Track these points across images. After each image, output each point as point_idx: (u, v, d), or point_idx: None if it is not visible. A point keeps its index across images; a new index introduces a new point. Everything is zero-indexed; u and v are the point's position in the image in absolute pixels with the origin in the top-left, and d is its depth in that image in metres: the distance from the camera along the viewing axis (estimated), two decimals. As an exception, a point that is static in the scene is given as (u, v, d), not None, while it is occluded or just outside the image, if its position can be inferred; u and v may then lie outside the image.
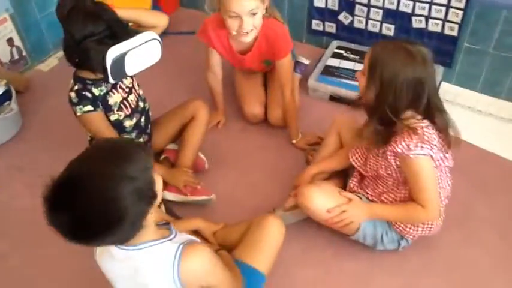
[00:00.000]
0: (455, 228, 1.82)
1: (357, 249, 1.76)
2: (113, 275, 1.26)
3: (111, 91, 1.77)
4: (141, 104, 1.90)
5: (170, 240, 1.21)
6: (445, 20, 2.28)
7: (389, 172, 1.61)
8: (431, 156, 1.51)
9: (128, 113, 1.83)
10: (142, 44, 1.59)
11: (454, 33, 2.29)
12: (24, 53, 2.62)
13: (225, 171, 2.11)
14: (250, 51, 2.09)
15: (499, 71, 2.30)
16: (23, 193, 2.05)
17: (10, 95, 2.25)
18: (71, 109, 1.74)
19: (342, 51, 2.55)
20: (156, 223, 1.23)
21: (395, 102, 1.47)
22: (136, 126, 1.88)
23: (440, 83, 2.39)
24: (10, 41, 2.52)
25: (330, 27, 2.63)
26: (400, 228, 1.68)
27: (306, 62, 2.49)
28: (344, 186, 1.83)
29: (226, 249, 1.58)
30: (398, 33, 2.44)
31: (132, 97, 1.85)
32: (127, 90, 1.84)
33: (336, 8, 2.53)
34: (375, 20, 2.47)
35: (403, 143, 1.48)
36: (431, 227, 1.67)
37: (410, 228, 1.66)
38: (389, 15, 2.41)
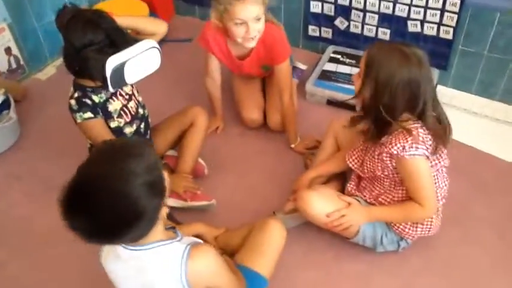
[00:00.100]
0: (453, 228, 1.84)
1: (357, 251, 1.77)
2: (118, 277, 1.27)
3: (111, 98, 1.78)
4: (140, 110, 1.91)
5: (178, 241, 1.22)
6: (440, 24, 2.31)
7: (386, 173, 1.63)
8: (427, 157, 1.52)
9: (128, 119, 1.84)
10: (142, 52, 1.60)
11: (449, 36, 2.32)
12: (22, 62, 2.63)
13: (225, 176, 2.12)
14: (248, 56, 2.10)
15: (494, 72, 2.33)
16: (22, 201, 2.06)
17: (9, 104, 2.26)
18: (71, 116, 1.75)
19: (339, 56, 2.57)
20: (164, 225, 1.24)
21: (391, 103, 1.48)
22: (136, 132, 1.88)
23: (435, 86, 2.41)
24: (8, 50, 2.53)
25: (326, 33, 2.66)
26: (400, 229, 1.69)
27: (303, 67, 2.52)
28: (342, 190, 1.84)
29: (228, 253, 1.59)
30: (394, 37, 2.46)
31: (132, 104, 1.86)
32: (127, 97, 1.84)
33: (332, 13, 2.56)
34: (370, 24, 2.49)
35: (398, 144, 1.50)
36: (430, 227, 1.68)
37: (409, 229, 1.68)
38: (385, 19, 2.43)
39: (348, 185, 1.82)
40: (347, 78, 2.43)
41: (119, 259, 1.22)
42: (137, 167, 1.07)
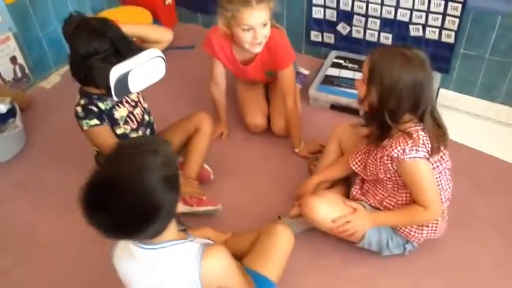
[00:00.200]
0: (458, 230, 1.84)
1: (364, 255, 1.78)
2: (131, 276, 1.28)
3: (117, 105, 1.79)
4: (146, 117, 1.93)
5: (191, 241, 1.24)
6: (441, 28, 2.32)
7: (389, 176, 1.64)
8: (428, 159, 1.53)
9: (134, 126, 1.85)
10: (147, 61, 1.61)
11: (451, 40, 2.33)
12: (26, 71, 2.65)
13: (230, 181, 2.13)
14: (253, 61, 2.12)
15: (495, 75, 2.34)
16: (27, 209, 2.07)
17: (14, 113, 2.27)
18: (77, 124, 1.77)
19: (341, 61, 2.59)
20: (176, 226, 1.26)
21: (396, 106, 1.50)
22: (142, 139, 1.90)
23: (438, 89, 2.43)
24: (13, 59, 2.55)
25: (329, 38, 2.68)
26: (405, 232, 1.70)
27: (306, 72, 2.53)
28: (347, 194, 1.85)
29: (236, 258, 1.58)
30: (396, 41, 2.48)
31: (138, 111, 1.88)
32: (133, 104, 1.86)
33: (334, 19, 2.58)
34: (372, 29, 2.51)
35: (399, 147, 1.51)
36: (436, 229, 1.69)
37: (415, 231, 1.68)
38: (387, 24, 2.45)
39: (353, 189, 1.82)
40: (350, 82, 2.45)
41: (132, 258, 1.24)
42: (153, 163, 1.10)
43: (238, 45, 2.03)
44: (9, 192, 2.15)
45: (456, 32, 2.30)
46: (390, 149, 1.53)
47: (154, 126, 2.00)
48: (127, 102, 1.84)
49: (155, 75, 1.68)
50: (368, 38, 2.56)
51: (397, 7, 2.37)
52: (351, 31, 2.59)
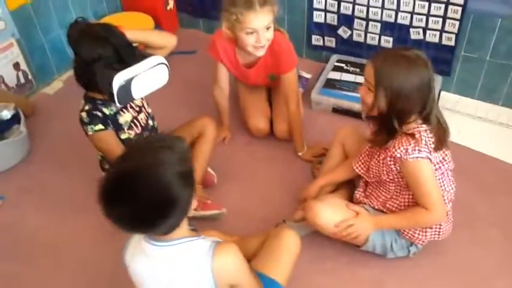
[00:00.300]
0: (461, 231, 1.85)
1: (369, 257, 1.79)
2: (144, 274, 1.28)
3: (121, 110, 1.80)
4: (150, 122, 1.94)
5: (202, 238, 1.25)
6: (442, 31, 2.34)
7: (391, 177, 1.65)
8: (430, 160, 1.54)
9: (138, 131, 1.86)
10: (150, 68, 1.62)
11: (451, 43, 2.35)
12: (30, 77, 2.66)
13: (234, 185, 2.14)
14: (256, 65, 2.14)
15: (496, 78, 2.36)
16: (33, 214, 2.08)
17: (19, 119, 2.28)
18: (81, 130, 1.77)
19: (343, 65, 2.60)
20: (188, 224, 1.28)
21: (406, 109, 1.51)
22: (147, 144, 1.90)
23: (439, 92, 2.44)
24: (16, 66, 2.56)
25: (330, 42, 2.70)
26: (409, 234, 1.70)
27: (308, 76, 2.55)
28: (351, 198, 1.86)
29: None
30: (397, 45, 2.50)
31: (142, 116, 1.89)
32: (137, 109, 1.87)
33: (335, 22, 2.60)
34: (373, 33, 2.53)
35: (401, 148, 1.52)
36: (439, 231, 1.70)
37: (418, 233, 1.69)
38: (388, 27, 2.47)
39: (356, 192, 1.83)
40: (351, 86, 2.46)
41: (144, 256, 1.25)
42: (169, 158, 1.13)
43: (242, 48, 2.05)
44: (15, 198, 2.16)
45: (456, 35, 2.32)
46: (393, 150, 1.54)
47: (158, 131, 2.01)
48: (131, 107, 1.84)
49: (158, 82, 1.68)
50: (369, 41, 2.58)
51: (397, 10, 2.39)
52: (351, 35, 2.61)
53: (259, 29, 1.92)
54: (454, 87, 2.49)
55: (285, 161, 2.24)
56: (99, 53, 1.58)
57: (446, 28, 2.32)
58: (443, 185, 1.65)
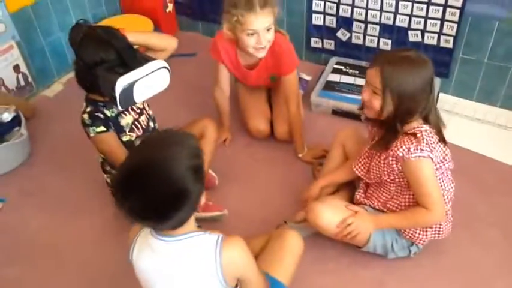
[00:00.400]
0: (461, 231, 1.87)
1: (370, 258, 1.80)
2: (150, 271, 1.29)
3: (123, 113, 1.81)
4: (151, 124, 1.94)
5: (209, 233, 1.27)
6: (440, 33, 2.36)
7: (392, 178, 1.66)
8: (432, 159, 1.55)
9: (139, 133, 1.87)
10: (152, 72, 1.62)
11: (450, 45, 2.37)
12: (30, 79, 2.66)
13: (235, 187, 2.15)
14: (257, 66, 2.15)
15: (494, 80, 2.38)
16: (34, 217, 2.08)
17: (19, 121, 2.28)
18: (81, 132, 1.78)
19: (342, 67, 2.62)
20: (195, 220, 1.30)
21: (412, 109, 1.53)
22: (148, 146, 1.91)
23: (438, 94, 2.46)
24: (16, 68, 2.56)
25: (329, 44, 2.71)
26: (410, 234, 1.72)
27: (308, 78, 2.56)
28: (351, 199, 1.87)
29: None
30: (396, 47, 2.51)
31: (143, 118, 1.89)
32: (138, 111, 1.88)
33: (334, 25, 2.62)
34: (372, 35, 2.55)
35: (404, 147, 1.53)
36: (439, 230, 1.71)
37: (419, 233, 1.70)
38: (386, 30, 2.49)
39: (356, 193, 1.85)
40: (351, 88, 2.48)
41: (151, 252, 1.26)
42: (181, 153, 1.16)
43: (243, 49, 2.06)
44: (16, 200, 2.16)
45: (455, 37, 2.34)
46: (395, 149, 1.55)
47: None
48: (132, 109, 1.85)
49: (160, 85, 1.69)
50: (367, 44, 2.59)
51: (396, 13, 2.41)
52: (350, 37, 2.62)
53: (259, 30, 1.93)
54: (453, 89, 2.51)
55: (285, 162, 2.25)
56: (101, 57, 1.59)
57: (445, 30, 2.34)
58: (444, 184, 1.66)
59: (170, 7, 3.05)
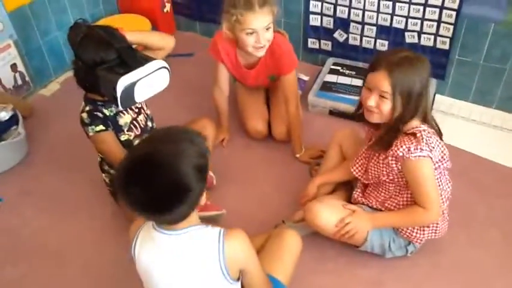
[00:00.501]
0: (459, 231, 1.89)
1: (368, 258, 1.81)
2: (152, 265, 1.30)
3: (121, 112, 1.81)
4: (149, 123, 1.94)
5: (211, 227, 1.28)
6: (436, 35, 2.38)
7: (391, 178, 1.67)
8: (431, 158, 1.57)
9: (137, 133, 1.87)
10: (152, 72, 1.63)
11: (446, 46, 2.39)
12: (27, 78, 2.66)
13: (233, 187, 2.16)
14: (256, 65, 2.16)
15: (490, 81, 2.40)
16: (33, 217, 2.08)
17: (17, 120, 2.28)
18: (79, 131, 1.78)
19: (339, 68, 2.63)
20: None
21: (417, 109, 1.55)
22: (146, 145, 1.91)
23: (434, 95, 2.48)
24: (14, 67, 2.56)
25: (326, 45, 2.73)
26: (407, 233, 1.73)
27: (306, 78, 2.58)
28: (349, 198, 1.88)
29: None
30: (392, 48, 2.53)
31: (141, 117, 1.90)
32: (136, 110, 1.88)
33: (331, 26, 2.63)
34: (369, 36, 2.56)
35: (404, 146, 1.54)
36: (436, 229, 1.73)
37: (416, 232, 1.72)
38: (383, 31, 2.51)
39: (354, 192, 1.86)
40: (348, 88, 2.49)
41: (155, 245, 1.27)
42: (191, 149, 1.18)
43: (242, 49, 2.07)
44: (15, 200, 2.15)
45: (451, 39, 2.35)
46: (395, 148, 1.56)
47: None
48: (130, 109, 1.85)
49: (160, 85, 1.69)
50: (364, 45, 2.61)
51: (392, 14, 2.43)
52: (347, 38, 2.64)
53: (258, 30, 1.94)
54: (449, 91, 2.53)
55: (283, 162, 2.26)
56: (101, 57, 1.59)
57: (441, 32, 2.36)
58: (441, 183, 1.68)
59: (168, 7, 3.05)
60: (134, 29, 1.92)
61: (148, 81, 1.63)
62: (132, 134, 1.85)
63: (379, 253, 1.79)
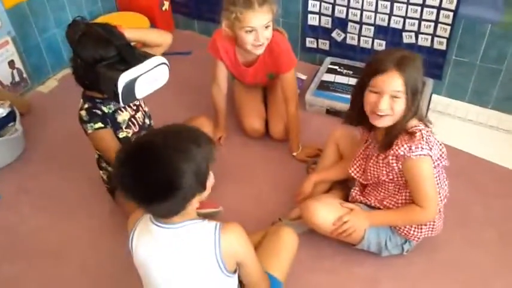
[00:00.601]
0: (456, 230, 1.90)
1: (364, 256, 1.82)
2: (149, 258, 1.30)
3: (119, 109, 1.81)
4: (147, 121, 1.95)
5: (207, 221, 1.30)
6: (434, 35, 2.39)
7: (391, 177, 1.68)
8: (431, 157, 1.58)
9: (136, 130, 1.87)
10: (152, 68, 1.64)
11: (443, 47, 2.40)
12: (24, 75, 2.66)
13: (230, 185, 2.16)
14: (255, 63, 2.17)
15: (486, 81, 2.41)
16: (31, 215, 2.08)
17: (14, 116, 2.28)
18: (77, 128, 1.78)
19: (336, 67, 2.64)
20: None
21: (418, 107, 1.57)
22: (144, 142, 1.92)
23: (431, 95, 2.49)
24: (11, 64, 2.56)
25: (324, 44, 2.73)
26: (405, 231, 1.74)
27: (303, 77, 2.58)
28: (346, 197, 1.89)
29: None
30: (386, 49, 2.53)
31: (139, 114, 1.90)
32: (134, 107, 1.88)
33: (329, 25, 2.64)
34: (367, 36, 2.57)
35: (405, 145, 1.55)
36: (433, 227, 1.74)
37: (414, 230, 1.73)
38: (381, 31, 2.52)
39: (352, 191, 1.86)
40: (345, 88, 2.50)
41: (152, 238, 1.28)
42: (194, 152, 1.18)
43: (241, 47, 2.08)
44: (12, 198, 2.15)
45: (448, 39, 2.37)
46: (396, 148, 1.57)
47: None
48: (129, 106, 1.85)
49: (159, 81, 1.70)
50: (362, 44, 2.62)
51: (390, 15, 2.44)
52: (345, 38, 2.65)
53: (258, 28, 1.95)
54: (445, 91, 2.54)
55: (280, 161, 2.27)
56: (101, 54, 1.59)
57: (438, 32, 2.37)
58: (440, 182, 1.69)
59: (166, 5, 3.06)
60: (134, 27, 1.93)
61: (148, 78, 1.64)
62: (130, 131, 1.86)
63: (375, 251, 1.80)
